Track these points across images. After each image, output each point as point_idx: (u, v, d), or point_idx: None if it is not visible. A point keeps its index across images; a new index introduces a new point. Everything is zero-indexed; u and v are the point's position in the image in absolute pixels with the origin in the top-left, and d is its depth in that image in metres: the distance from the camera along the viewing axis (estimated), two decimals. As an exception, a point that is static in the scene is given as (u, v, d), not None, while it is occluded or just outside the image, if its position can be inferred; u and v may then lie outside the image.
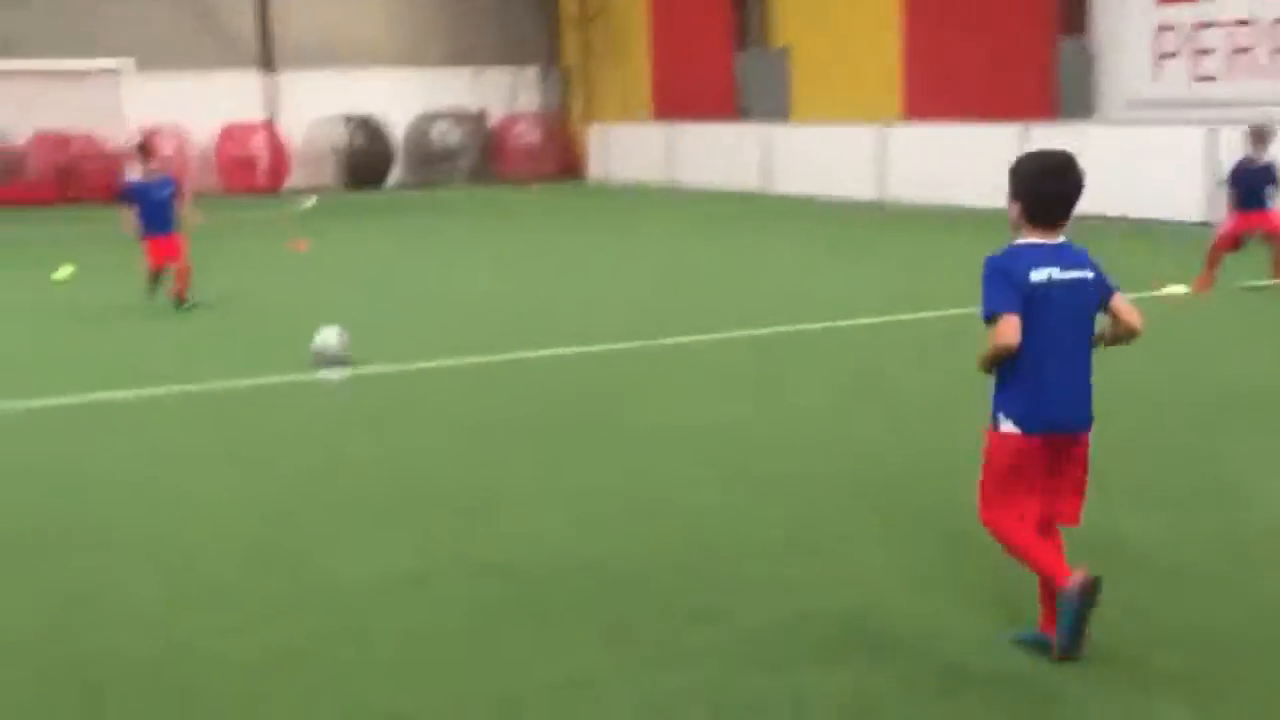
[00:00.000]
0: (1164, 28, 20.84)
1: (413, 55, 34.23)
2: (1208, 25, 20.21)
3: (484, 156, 34.30)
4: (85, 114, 29.81)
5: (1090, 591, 4.67)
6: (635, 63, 33.06)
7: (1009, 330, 4.70)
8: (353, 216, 25.99)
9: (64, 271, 17.02)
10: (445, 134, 33.77)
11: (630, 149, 32.74)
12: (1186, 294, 13.28)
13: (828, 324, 12.09)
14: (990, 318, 4.76)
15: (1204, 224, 19.26)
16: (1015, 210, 4.92)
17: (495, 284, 15.85)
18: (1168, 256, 16.74)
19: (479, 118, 34.42)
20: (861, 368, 10.34)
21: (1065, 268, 4.80)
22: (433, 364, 10.71)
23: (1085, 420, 4.86)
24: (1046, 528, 4.88)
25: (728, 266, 17.11)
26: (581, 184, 33.47)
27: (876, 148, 25.20)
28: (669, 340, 11.46)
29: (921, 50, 25.00)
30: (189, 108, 31.08)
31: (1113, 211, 20.29)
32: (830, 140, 26.42)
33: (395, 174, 33.67)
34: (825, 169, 26.26)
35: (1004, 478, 4.83)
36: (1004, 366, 4.79)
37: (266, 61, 32.86)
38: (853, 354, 10.90)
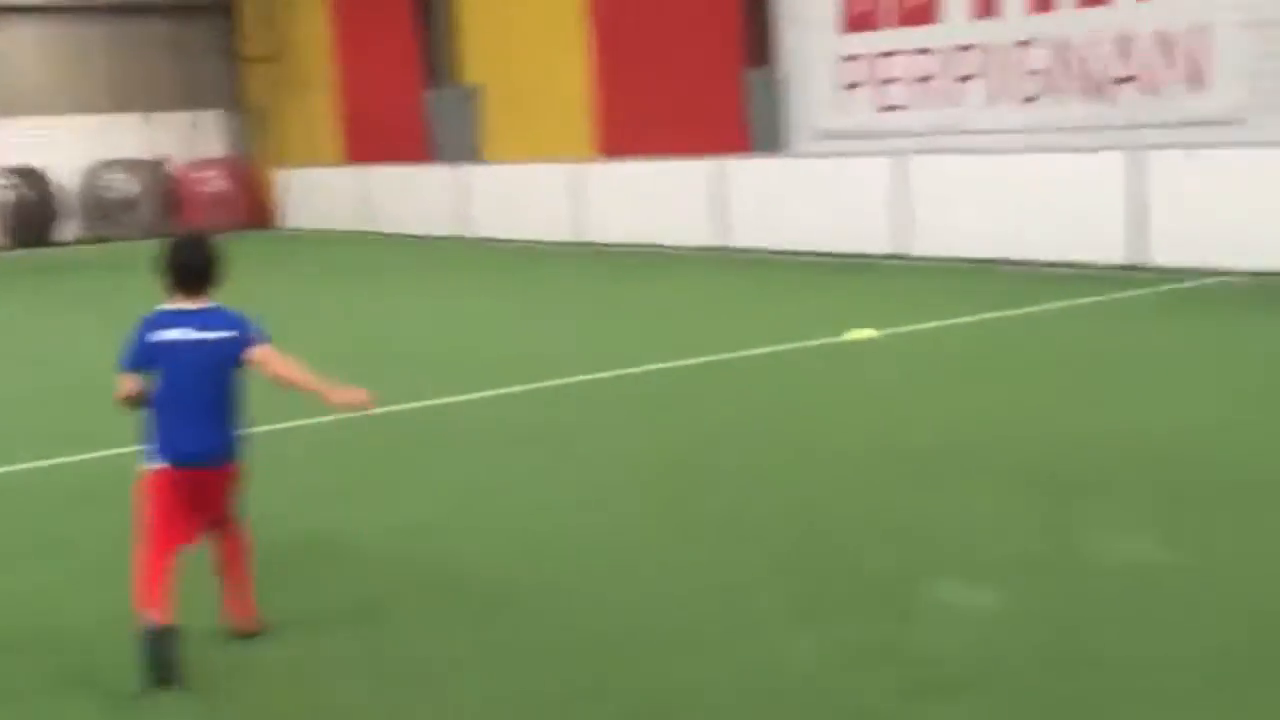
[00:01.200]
0: (848, 57, 20.54)
1: (80, 101, 31.91)
2: (891, 54, 19.96)
3: (165, 206, 32.15)
4: None
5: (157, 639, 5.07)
6: (322, 103, 31.52)
7: (123, 385, 5.51)
8: (10, 279, 23.79)
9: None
10: (120, 184, 31.52)
11: (322, 194, 31.16)
12: (874, 337, 12.69)
13: (494, 391, 10.99)
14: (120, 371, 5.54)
15: (894, 256, 18.99)
16: (163, 283, 5.61)
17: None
18: (861, 294, 16.29)
19: (156, 165, 32.29)
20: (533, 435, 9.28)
21: (200, 329, 5.46)
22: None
23: (216, 457, 5.47)
24: (171, 557, 5.32)
25: (406, 322, 15.89)
26: (272, 233, 31.71)
27: (572, 187, 24.32)
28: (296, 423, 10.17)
29: (613, 85, 24.27)
30: None
31: (811, 247, 19.88)
32: (525, 180, 25.45)
33: (68, 228, 31.28)
34: (521, 210, 25.28)
35: (160, 509, 5.34)
36: (150, 413, 5.47)
37: (-88, 114, 30.16)
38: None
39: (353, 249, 26.61)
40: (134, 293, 20.64)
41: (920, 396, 10.14)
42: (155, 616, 5.09)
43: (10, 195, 30.15)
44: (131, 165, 31.67)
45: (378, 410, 5.83)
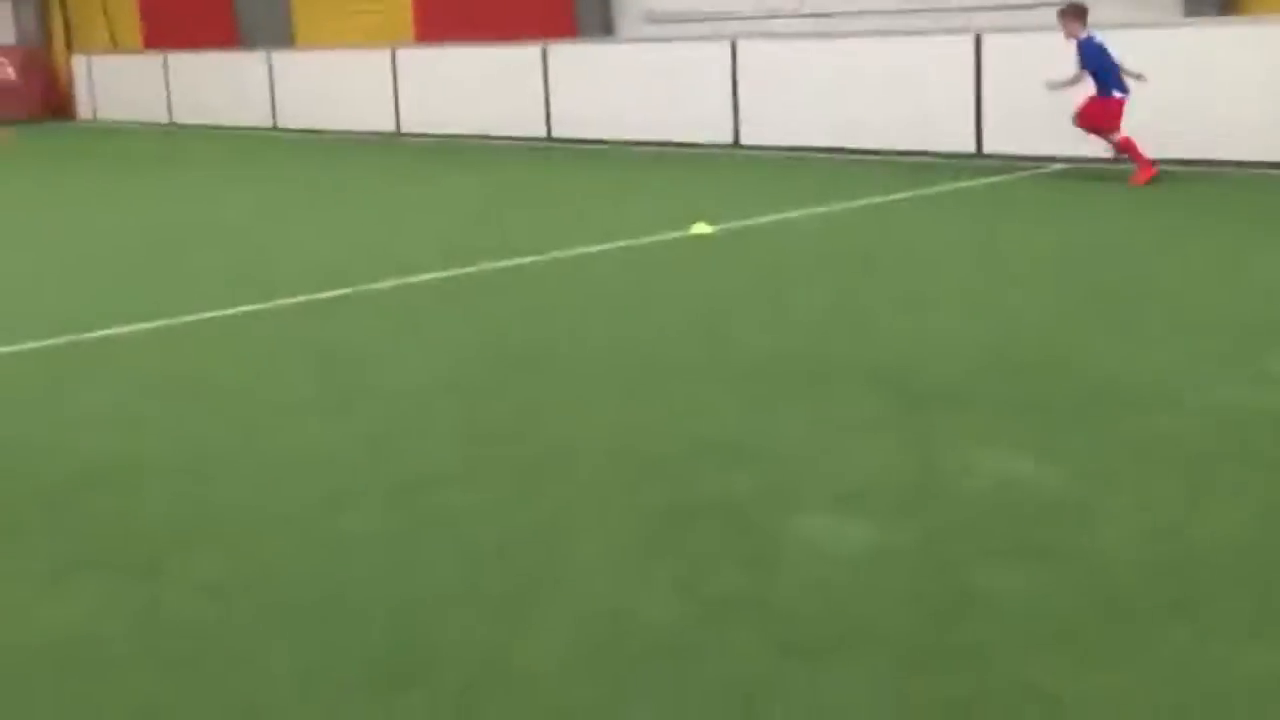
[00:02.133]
0: (680, -64, 19.49)
1: None
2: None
3: (-51, 97, 29.86)
4: None
5: None
6: (121, -15, 29.46)
7: None
8: None
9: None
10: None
11: (121, 84, 29.15)
12: (713, 232, 11.81)
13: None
14: None
15: (731, 145, 18.14)
16: None
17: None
18: (692, 187, 15.40)
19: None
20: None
21: None
22: None
23: None
24: None
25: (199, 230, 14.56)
26: (69, 125, 29.63)
27: (389, 74, 22.92)
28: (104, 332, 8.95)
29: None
30: None
31: (639, 137, 18.93)
32: (338, 68, 23.94)
33: None
34: (333, 100, 23.81)
35: None
36: None
37: None
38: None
39: (151, 141, 24.87)
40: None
41: (755, 299, 9.29)
42: None
43: None
44: None
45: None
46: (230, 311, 9.38)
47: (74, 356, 8.25)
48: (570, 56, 20.25)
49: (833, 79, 17.02)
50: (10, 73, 30.44)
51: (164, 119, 27.55)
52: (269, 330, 8.88)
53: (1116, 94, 13.86)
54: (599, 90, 19.53)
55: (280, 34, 25.74)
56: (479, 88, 21.24)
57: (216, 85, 26.40)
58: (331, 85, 23.94)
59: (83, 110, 30.27)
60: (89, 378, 7.71)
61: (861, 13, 17.61)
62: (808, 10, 18.25)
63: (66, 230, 14.10)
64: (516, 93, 20.69)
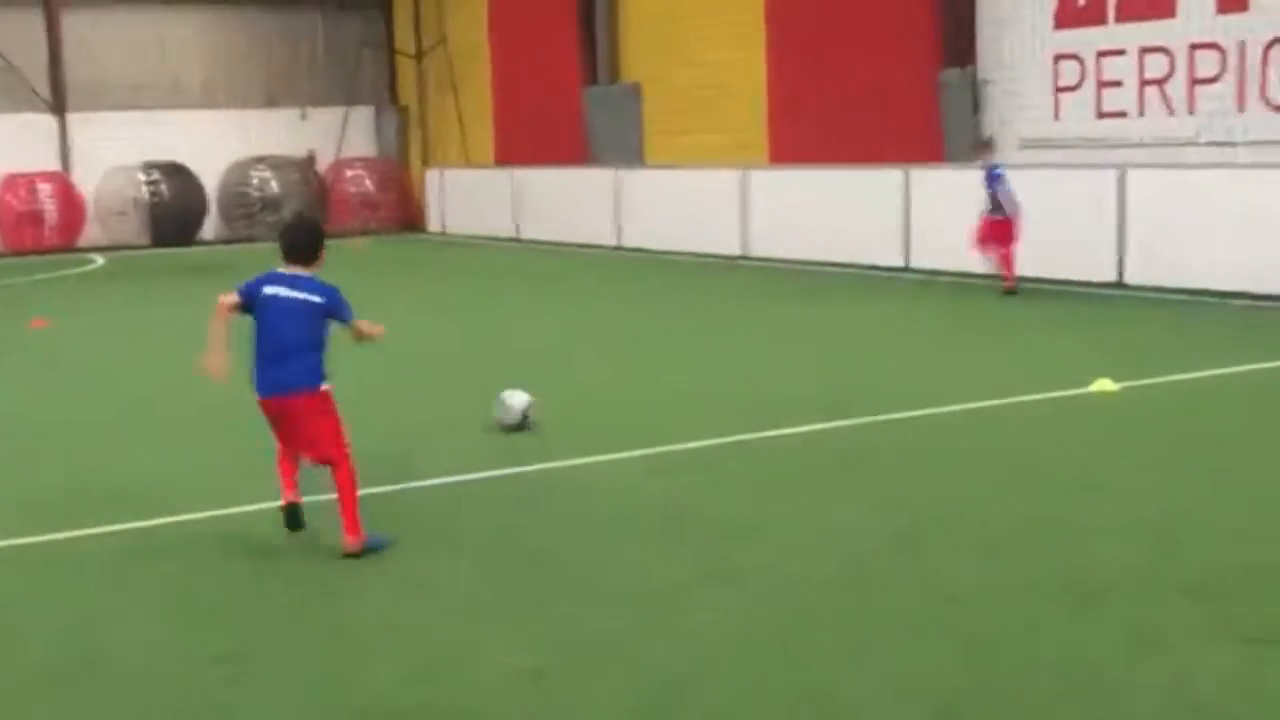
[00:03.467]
0: (1063, 56, 18.08)
1: (228, 95, 30.70)
2: (1115, 53, 17.47)
3: (312, 206, 30.72)
4: None
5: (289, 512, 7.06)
6: (475, 101, 29.83)
7: (226, 298, 7.03)
8: (133, 281, 22.39)
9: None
10: (266, 182, 30.16)
11: (472, 196, 29.45)
12: (1116, 391, 10.32)
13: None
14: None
15: (1117, 284, 16.51)
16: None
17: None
18: (1085, 331, 13.81)
19: (305, 163, 30.90)
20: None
21: (291, 289, 6.94)
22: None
23: (287, 389, 6.86)
24: (293, 460, 7.08)
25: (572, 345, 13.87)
26: (420, 237, 30.09)
27: (739, 194, 22.17)
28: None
29: (790, 85, 22.09)
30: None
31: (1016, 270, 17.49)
32: (686, 187, 23.35)
33: (210, 228, 30.04)
34: (679, 220, 23.20)
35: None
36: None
37: (56, 103, 29.06)
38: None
39: (496, 256, 24.79)
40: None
41: (1201, 483, 7.79)
42: (285, 496, 7.06)
43: (153, 192, 28.95)
44: (278, 163, 30.32)
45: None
46: (577, 461, 8.44)
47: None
48: (934, 182, 19.03)
49: (1239, 214, 15.26)
50: (369, 185, 31.20)
51: (509, 233, 27.58)
52: (616, 487, 7.87)
53: None
54: (964, 219, 18.21)
55: (630, 152, 25.41)
56: (832, 212, 20.22)
57: (562, 201, 26.26)
58: (678, 205, 23.37)
59: (433, 222, 30.72)
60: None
61: (1271, 143, 15.80)
62: (1205, 139, 16.54)
63: (411, 340, 13.64)
64: (874, 218, 19.57)
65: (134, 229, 28.95)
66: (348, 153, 31.65)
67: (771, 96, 22.47)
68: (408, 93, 32.28)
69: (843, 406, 10.00)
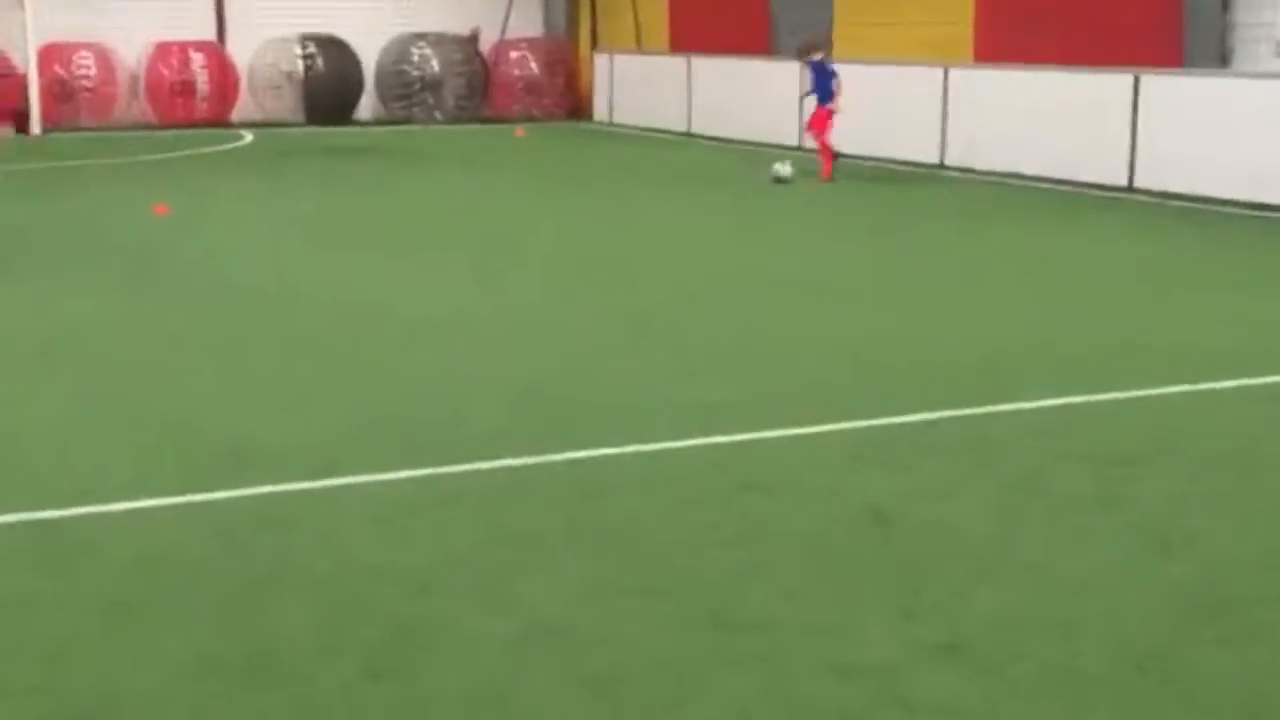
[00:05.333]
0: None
1: (390, -34, 29.00)
2: None
3: (472, 89, 29.01)
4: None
5: None
6: (653, -19, 27.72)
7: None
8: (279, 162, 20.96)
9: None
10: (426, 60, 28.48)
11: (642, 86, 27.44)
12: None
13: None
14: None
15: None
16: None
17: (463, 300, 10.75)
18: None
19: (468, 42, 29.12)
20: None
21: None
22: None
23: None
24: None
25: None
26: (583, 126, 28.23)
27: (939, 96, 19.87)
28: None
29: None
30: (112, 22, 26.01)
31: (1251, 196, 15.10)
32: (879, 86, 21.07)
33: (367, 107, 28.55)
34: (873, 122, 20.98)
35: None
36: None
37: (214, -31, 27.70)
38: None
39: (670, 152, 22.87)
40: (408, 193, 17.61)
41: None
42: None
43: (309, 66, 27.49)
44: (439, 40, 28.60)
45: None
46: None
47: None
48: (1169, 91, 16.59)
49: None
50: (534, 67, 29.36)
51: (681, 127, 25.58)
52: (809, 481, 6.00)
53: None
54: (1202, 135, 15.80)
55: (821, 42, 23.13)
56: (1048, 121, 17.87)
57: (741, 96, 24.14)
58: (870, 105, 21.13)
59: (599, 111, 28.83)
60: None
61: None
62: None
63: (571, 255, 11.88)
64: (1095, 129, 17.19)
65: (288, 105, 27.56)
66: (513, 33, 29.80)
67: (981, -11, 20.06)
68: (579, -30, 30.26)
69: (1089, 372, 7.99)
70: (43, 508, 5.80)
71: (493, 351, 8.71)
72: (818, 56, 18.91)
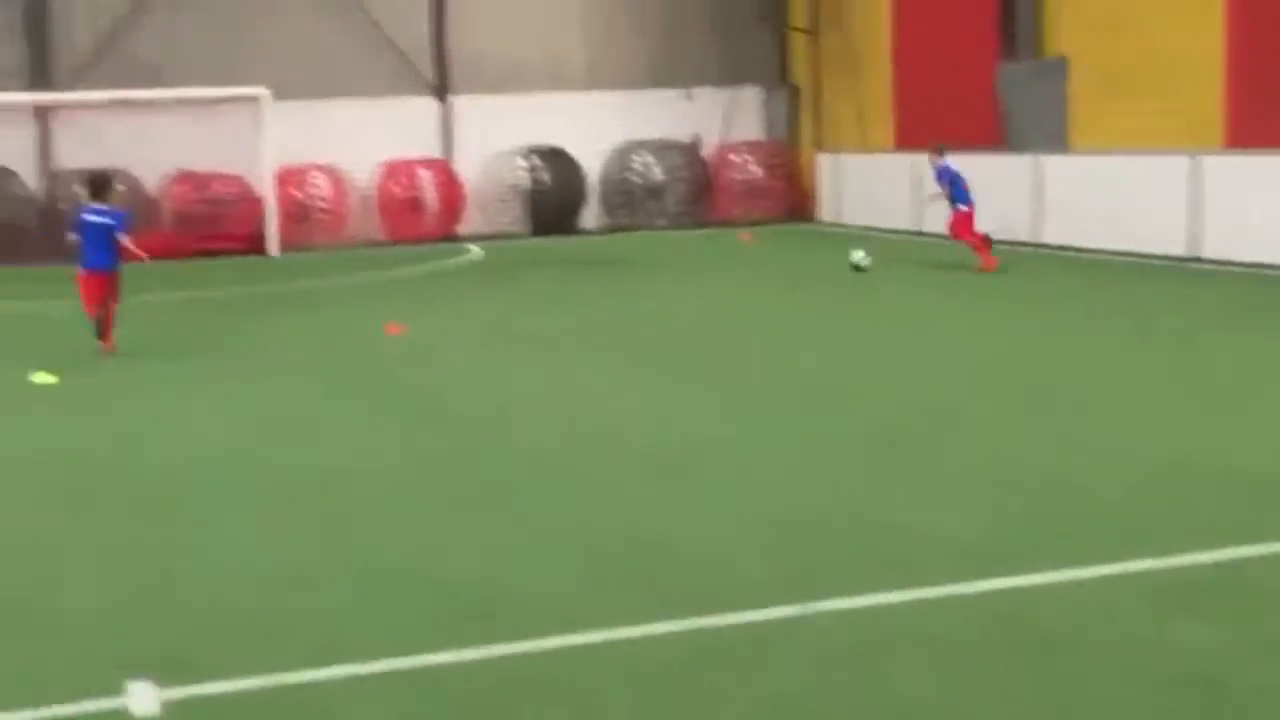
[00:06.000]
0: None
1: (611, 76, 29.09)
2: None
3: (694, 194, 28.85)
4: (221, 150, 25.53)
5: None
6: (875, 80, 27.18)
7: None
8: (507, 276, 20.95)
9: (43, 377, 12.32)
10: (649, 168, 28.46)
11: (869, 184, 26.87)
12: None
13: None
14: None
15: None
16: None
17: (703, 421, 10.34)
18: None
19: (690, 148, 29.02)
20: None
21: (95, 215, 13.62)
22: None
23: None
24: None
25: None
26: (809, 227, 27.75)
27: (1188, 184, 18.82)
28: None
29: (1255, 56, 18.57)
30: (342, 142, 26.63)
31: None
32: (1120, 176, 20.09)
33: (590, 216, 28.59)
34: (1111, 215, 19.99)
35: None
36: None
37: (440, 86, 28.16)
38: None
39: (897, 251, 22.18)
40: (653, 294, 17.28)
41: None
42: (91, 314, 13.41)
43: (534, 178, 27.70)
44: (661, 148, 28.56)
45: None
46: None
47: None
48: None
49: None
50: (756, 170, 29.08)
51: (908, 225, 24.88)
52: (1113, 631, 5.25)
53: None
54: None
55: (1052, 135, 22.30)
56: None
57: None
58: (1111, 196, 20.17)
59: (824, 211, 28.33)
60: None
61: None
62: None
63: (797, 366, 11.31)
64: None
65: (514, 216, 27.79)
66: (734, 136, 29.61)
67: (1231, 69, 18.98)
68: (801, 71, 29.92)
69: None
70: (274, 670, 5.44)
71: (742, 482, 8.17)
72: (944, 160, 19.32)
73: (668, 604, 6.00)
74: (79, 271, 13.63)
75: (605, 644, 5.62)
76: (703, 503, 7.74)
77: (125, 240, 13.57)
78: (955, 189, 19.01)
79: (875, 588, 6.07)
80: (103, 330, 13.71)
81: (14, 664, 5.64)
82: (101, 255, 13.51)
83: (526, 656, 5.52)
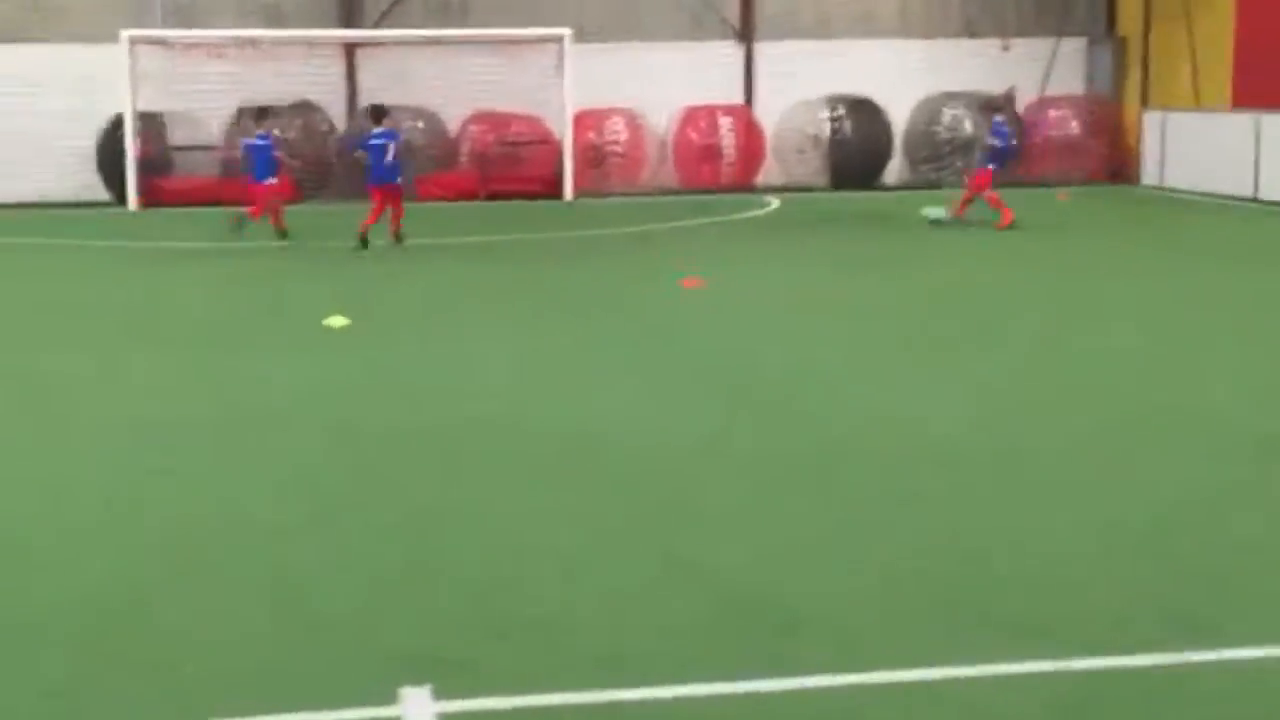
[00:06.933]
0: None
1: (923, 24, 27.68)
2: None
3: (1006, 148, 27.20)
4: (520, 91, 25.29)
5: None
6: (1211, 31, 25.06)
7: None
8: (805, 231, 20.01)
9: (337, 320, 12.08)
10: (958, 121, 27.00)
11: (1199, 146, 24.84)
12: None
13: None
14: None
15: None
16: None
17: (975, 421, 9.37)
18: None
19: (1003, 101, 27.39)
20: None
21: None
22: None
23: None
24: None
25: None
26: (1130, 190, 25.88)
27: None
28: None
29: None
30: (643, 87, 26.06)
31: None
32: None
33: (893, 171, 27.35)
34: None
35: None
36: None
37: (743, 31, 27.28)
38: None
39: (1235, 225, 20.34)
40: (940, 266, 16.13)
41: None
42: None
43: (835, 129, 26.61)
44: (972, 101, 27.03)
45: None
46: None
47: None
48: None
49: None
50: (1074, 127, 27.29)
51: (1247, 192, 22.86)
52: None
53: None
54: None
55: None
56: None
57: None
58: None
59: (1148, 174, 26.39)
60: None
61: None
62: None
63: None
64: None
65: (813, 168, 26.78)
66: (1052, 90, 27.85)
67: None
68: (1128, 21, 27.90)
69: None
70: (564, 682, 4.74)
71: (1103, 488, 7.12)
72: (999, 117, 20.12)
73: (1014, 637, 5.07)
74: (370, 186, 17.56)
75: (945, 682, 4.74)
76: (1048, 511, 6.73)
77: (395, 149, 17.39)
78: (999, 149, 19.69)
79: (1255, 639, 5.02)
80: (393, 232, 17.54)
81: (274, 655, 5.11)
82: (383, 170, 17.33)
83: (842, 690, 4.69)
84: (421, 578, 5.86)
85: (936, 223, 19.63)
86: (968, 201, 19.74)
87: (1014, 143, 19.91)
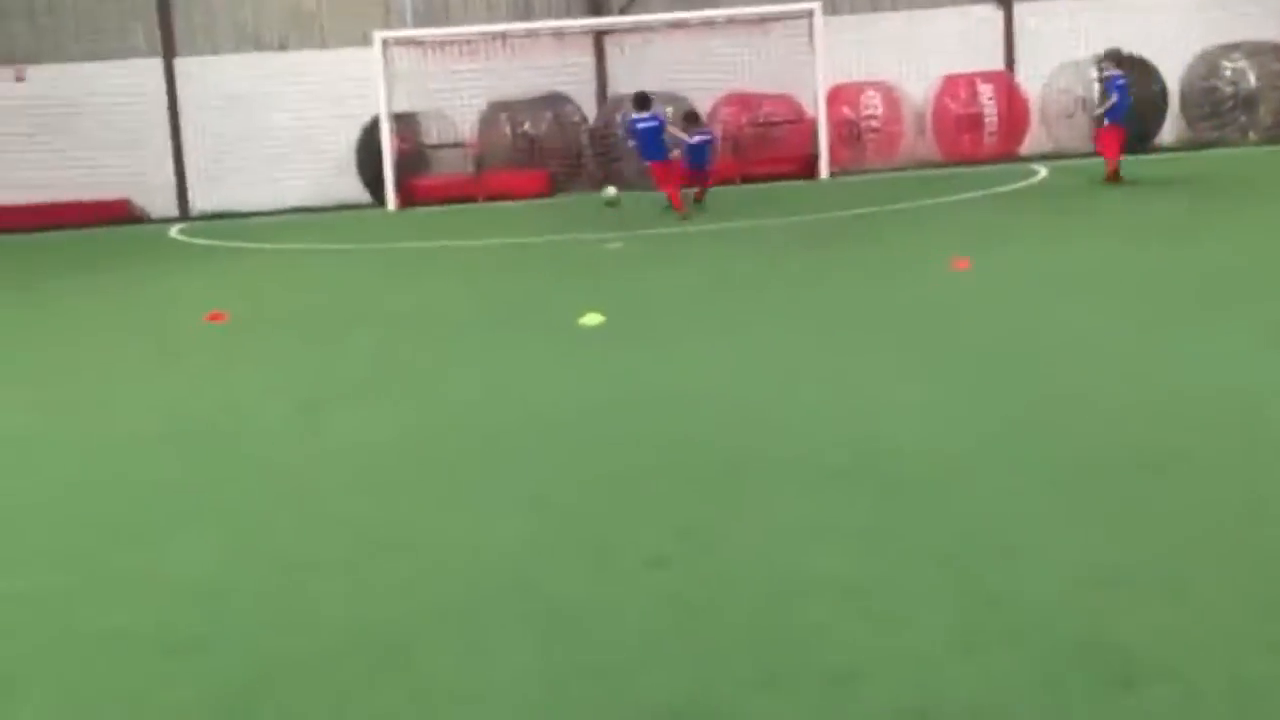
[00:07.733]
0: None
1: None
2: None
3: (1294, 102, 25.37)
4: (770, 71, 24.65)
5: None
6: None
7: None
8: (1078, 201, 18.84)
9: (592, 318, 11.69)
10: (1240, 74, 25.22)
11: None
12: None
13: None
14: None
15: None
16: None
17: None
18: None
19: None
20: None
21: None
22: None
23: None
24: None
25: None
26: None
27: None
28: None
29: None
30: (897, 58, 25.10)
31: None
32: None
33: (1170, 129, 25.76)
34: None
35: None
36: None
37: (1002, -8, 26.08)
38: None
39: None
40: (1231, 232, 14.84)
41: None
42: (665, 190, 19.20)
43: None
44: (1255, 51, 25.22)
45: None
46: None
47: None
48: None
49: None
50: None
51: None
52: None
53: None
54: None
55: None
56: None
57: None
58: None
59: None
60: None
61: None
62: None
63: None
64: None
65: (1082, 133, 25.39)
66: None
67: None
68: None
69: None
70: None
71: None
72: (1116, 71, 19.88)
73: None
74: (647, 165, 19.27)
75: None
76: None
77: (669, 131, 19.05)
78: (1118, 103, 19.51)
79: None
80: (675, 203, 19.19)
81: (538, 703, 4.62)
82: (656, 150, 19.03)
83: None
84: (689, 616, 5.29)
85: (613, 204, 19.87)
86: (1115, 169, 19.71)
87: (1130, 98, 19.72)
